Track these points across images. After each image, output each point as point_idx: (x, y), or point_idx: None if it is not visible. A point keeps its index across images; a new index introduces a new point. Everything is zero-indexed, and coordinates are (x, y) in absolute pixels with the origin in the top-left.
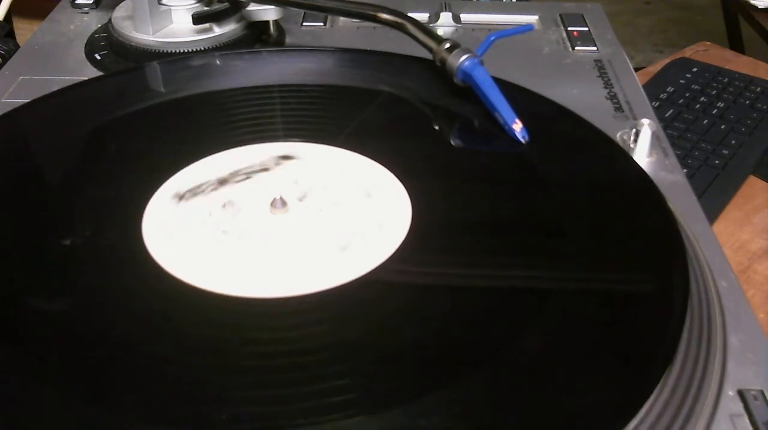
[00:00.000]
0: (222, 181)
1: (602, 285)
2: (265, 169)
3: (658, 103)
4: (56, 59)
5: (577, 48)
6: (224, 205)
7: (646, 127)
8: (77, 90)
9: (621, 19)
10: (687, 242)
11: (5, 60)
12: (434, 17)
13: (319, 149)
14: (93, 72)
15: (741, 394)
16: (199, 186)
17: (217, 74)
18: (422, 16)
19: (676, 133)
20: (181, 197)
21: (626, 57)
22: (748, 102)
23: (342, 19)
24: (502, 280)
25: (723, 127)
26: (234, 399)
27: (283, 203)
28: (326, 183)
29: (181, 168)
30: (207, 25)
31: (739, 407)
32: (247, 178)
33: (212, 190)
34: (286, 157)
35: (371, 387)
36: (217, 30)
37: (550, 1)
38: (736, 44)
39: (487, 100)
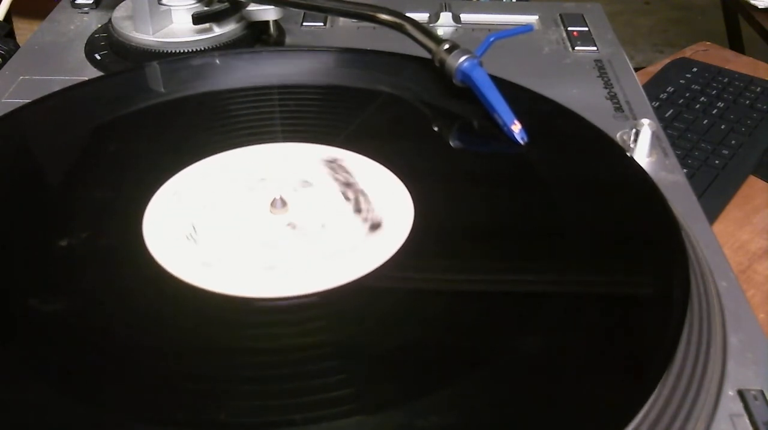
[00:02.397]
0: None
1: (602, 286)
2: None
3: (658, 103)
4: (56, 59)
5: (577, 48)
6: (224, 204)
7: (646, 127)
8: (77, 90)
9: (621, 19)
10: (687, 242)
11: (5, 60)
12: (434, 17)
13: (320, 149)
14: (93, 72)
15: (741, 394)
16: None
17: (217, 74)
18: (422, 16)
19: (676, 133)
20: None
21: (626, 57)
22: (748, 102)
23: (342, 19)
24: (502, 281)
25: (723, 127)
26: (233, 399)
27: (283, 203)
28: (326, 183)
29: (181, 168)
30: (207, 25)
31: (739, 407)
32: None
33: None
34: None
35: (371, 387)
36: (217, 30)
37: (550, 1)
38: (736, 44)
39: (486, 101)
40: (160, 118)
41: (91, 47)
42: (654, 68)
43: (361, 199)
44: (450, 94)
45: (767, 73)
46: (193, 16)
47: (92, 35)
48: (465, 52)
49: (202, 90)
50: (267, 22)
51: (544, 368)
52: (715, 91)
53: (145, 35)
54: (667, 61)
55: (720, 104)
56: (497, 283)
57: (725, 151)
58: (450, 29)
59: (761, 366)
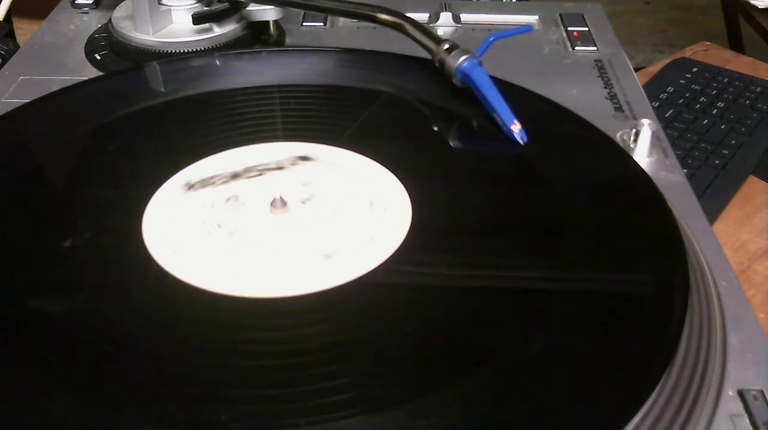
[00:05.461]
0: (234, 176)
1: (602, 285)
2: (280, 168)
3: (658, 103)
4: (56, 59)
5: (577, 48)
6: (227, 201)
7: (646, 127)
8: (77, 90)
9: (621, 19)
10: (687, 242)
11: (5, 60)
12: (434, 17)
13: (321, 149)
14: (93, 72)
15: (741, 394)
16: (210, 178)
17: (217, 74)
18: (422, 17)
19: (676, 133)
20: (190, 187)
21: (626, 57)
22: (748, 102)
23: (342, 19)
24: (502, 280)
25: (723, 127)
26: (233, 399)
27: (283, 203)
28: (327, 182)
29: (181, 168)
30: (207, 25)
31: (739, 407)
32: (260, 174)
33: (222, 182)
34: (302, 158)
35: (371, 387)
36: (217, 30)
37: (550, 1)
38: (736, 44)
39: (486, 101)
40: (160, 118)
41: (91, 47)
42: (654, 68)
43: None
44: (450, 94)
45: (767, 73)
46: (193, 16)
47: (92, 35)
48: (465, 52)
49: (202, 90)
50: (267, 22)
51: (544, 367)
52: (715, 91)
53: (145, 35)
54: (667, 61)
55: (720, 104)
56: (497, 283)
57: (725, 151)
58: (450, 29)
59: (761, 366)
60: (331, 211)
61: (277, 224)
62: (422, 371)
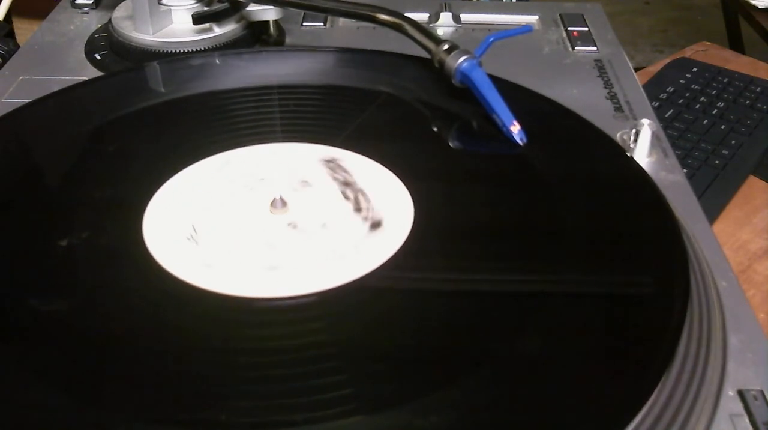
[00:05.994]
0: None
1: (602, 285)
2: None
3: (658, 103)
4: (56, 59)
5: (577, 48)
6: (224, 205)
7: (646, 127)
8: (77, 90)
9: (621, 19)
10: (687, 242)
11: (5, 60)
12: (434, 17)
13: (319, 149)
14: (93, 72)
15: (741, 394)
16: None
17: (217, 74)
18: (422, 17)
19: (676, 133)
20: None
21: (626, 57)
22: (748, 102)
23: (342, 19)
24: (502, 281)
25: (723, 127)
26: (233, 399)
27: (283, 203)
28: (325, 182)
29: (181, 169)
30: (207, 25)
31: (739, 407)
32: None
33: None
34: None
35: (370, 388)
36: (217, 30)
37: (550, 1)
38: (736, 44)
39: (485, 102)
40: (160, 118)
41: (91, 47)
42: (654, 68)
43: (361, 198)
44: (450, 94)
45: (767, 73)
46: (193, 16)
47: (92, 35)
48: (464, 52)
49: (202, 90)
50: (267, 22)
51: (543, 368)
52: (715, 91)
53: (145, 35)
54: (667, 61)
55: (720, 104)
56: (497, 283)
57: (725, 151)
58: (450, 29)
59: (761, 366)
60: (331, 210)
61: (277, 223)
62: (422, 371)
